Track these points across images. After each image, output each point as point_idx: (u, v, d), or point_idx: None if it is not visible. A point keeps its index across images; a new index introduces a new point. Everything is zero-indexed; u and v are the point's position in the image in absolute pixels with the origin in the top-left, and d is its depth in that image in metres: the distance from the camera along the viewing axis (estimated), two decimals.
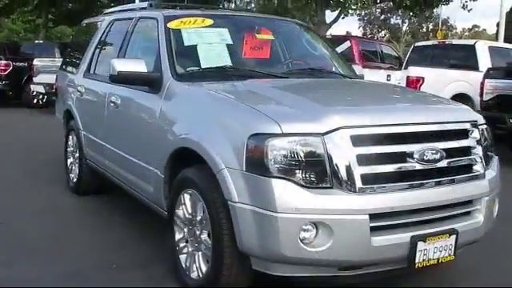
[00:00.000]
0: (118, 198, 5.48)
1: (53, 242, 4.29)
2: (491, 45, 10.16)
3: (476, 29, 79.56)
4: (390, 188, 2.83)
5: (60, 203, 5.42)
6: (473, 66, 9.51)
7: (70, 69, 6.13)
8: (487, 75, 8.23)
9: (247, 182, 2.82)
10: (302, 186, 2.74)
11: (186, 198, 3.34)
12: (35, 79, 14.03)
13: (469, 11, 18.72)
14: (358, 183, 2.75)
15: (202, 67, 3.87)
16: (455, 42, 10.93)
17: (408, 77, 8.62)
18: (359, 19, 55.31)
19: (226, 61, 3.95)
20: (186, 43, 4.01)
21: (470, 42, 10.05)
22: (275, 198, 2.70)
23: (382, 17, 59.38)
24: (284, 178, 2.73)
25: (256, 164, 2.79)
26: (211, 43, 4.05)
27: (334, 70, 4.37)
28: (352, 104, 3.31)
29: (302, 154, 2.75)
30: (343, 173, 2.75)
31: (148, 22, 4.48)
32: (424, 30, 64.34)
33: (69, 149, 5.94)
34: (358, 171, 2.76)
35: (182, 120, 3.46)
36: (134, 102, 4.13)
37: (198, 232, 3.25)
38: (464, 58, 9.69)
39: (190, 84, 3.64)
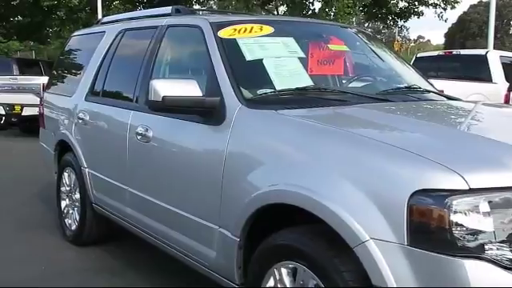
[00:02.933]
0: (127, 247, 4.46)
1: None
2: (502, 54, 9.58)
3: (421, 40, 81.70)
4: None
5: (58, 260, 4.32)
6: (485, 77, 8.87)
7: (61, 91, 5.04)
8: None
9: (414, 262, 1.89)
10: (506, 267, 1.83)
11: (284, 272, 2.38)
12: None
13: (445, 21, 18.48)
14: None
15: (278, 89, 2.91)
16: (464, 52, 10.33)
17: None
18: None
19: (305, 80, 3.02)
20: (248, 57, 3.06)
21: (481, 51, 9.46)
22: None
23: None
24: (480, 258, 1.82)
25: (429, 235, 1.87)
26: (279, 57, 3.12)
27: (426, 87, 3.48)
28: None
29: (503, 219, 1.84)
30: None
31: (185, 31, 3.51)
32: None
33: (63, 188, 4.85)
34: None
35: (271, 164, 2.48)
36: (180, 136, 3.12)
37: None
38: (475, 69, 9.04)
39: (273, 112, 2.68)
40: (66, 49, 5.33)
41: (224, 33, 3.18)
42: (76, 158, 4.43)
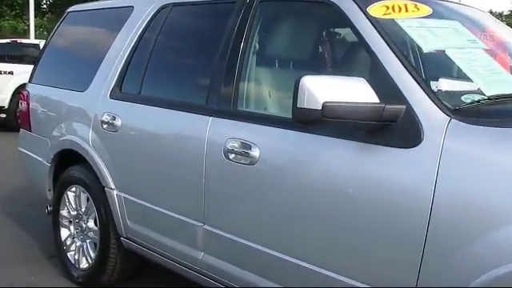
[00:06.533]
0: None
1: None
2: None
3: None
4: None
5: None
6: None
7: (60, 83, 3.83)
8: None
9: None
10: None
11: None
12: None
13: None
14: None
15: (488, 95, 1.99)
16: None
17: None
18: None
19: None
20: (425, 48, 2.13)
21: None
22: None
23: None
24: None
25: None
26: (462, 48, 2.20)
27: None
28: None
29: None
30: None
31: (297, 7, 2.51)
32: None
33: (64, 212, 3.68)
34: None
35: None
36: (328, 162, 2.11)
37: None
38: None
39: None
40: (62, 28, 4.09)
41: (375, 11, 2.22)
42: (94, 174, 3.30)
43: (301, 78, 1.90)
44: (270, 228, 2.32)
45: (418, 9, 2.32)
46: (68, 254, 3.63)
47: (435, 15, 2.35)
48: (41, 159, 3.87)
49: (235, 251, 2.48)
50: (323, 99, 1.85)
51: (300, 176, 2.18)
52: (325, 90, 1.87)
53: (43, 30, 22.80)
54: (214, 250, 2.59)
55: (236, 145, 2.40)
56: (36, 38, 17.30)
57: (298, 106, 1.90)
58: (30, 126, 4.06)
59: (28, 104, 4.07)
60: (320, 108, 1.85)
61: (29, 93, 4.08)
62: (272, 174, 2.29)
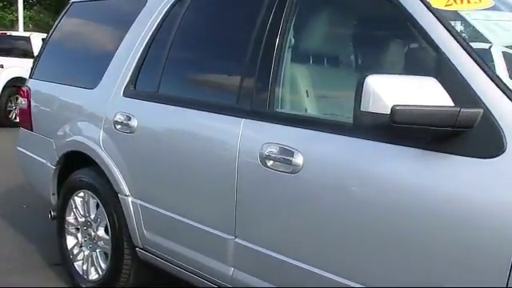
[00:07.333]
0: None
1: None
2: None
3: None
4: None
5: None
6: None
7: (65, 79, 3.55)
8: None
9: None
10: None
11: None
12: None
13: None
14: None
15: None
16: None
17: None
18: None
19: None
20: (496, 43, 1.90)
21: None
22: None
23: None
24: None
25: None
26: None
27: None
28: None
29: None
30: None
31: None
32: None
33: (70, 219, 3.42)
34: None
35: None
36: (391, 174, 1.86)
37: None
38: None
39: None
40: (66, 20, 3.79)
41: (436, 1, 1.98)
42: (105, 179, 3.04)
43: (365, 77, 1.66)
44: (312, 243, 2.08)
45: (481, 0, 2.09)
46: (75, 264, 3.37)
47: (496, 7, 2.12)
48: (44, 161, 3.60)
49: (271, 268, 2.24)
50: (392, 102, 1.61)
51: (353, 188, 1.94)
52: (393, 91, 1.64)
53: (30, 23, 22.25)
54: (247, 265, 2.34)
55: (275, 150, 2.16)
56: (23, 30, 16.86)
57: (361, 109, 1.66)
58: (31, 125, 3.77)
59: (29, 101, 3.78)
60: (388, 112, 1.61)
61: (30, 89, 3.79)
62: (318, 184, 2.04)
